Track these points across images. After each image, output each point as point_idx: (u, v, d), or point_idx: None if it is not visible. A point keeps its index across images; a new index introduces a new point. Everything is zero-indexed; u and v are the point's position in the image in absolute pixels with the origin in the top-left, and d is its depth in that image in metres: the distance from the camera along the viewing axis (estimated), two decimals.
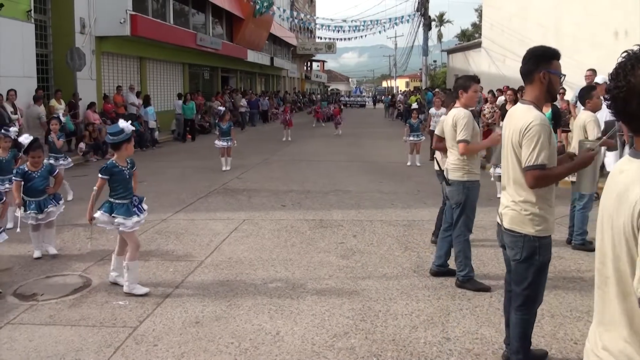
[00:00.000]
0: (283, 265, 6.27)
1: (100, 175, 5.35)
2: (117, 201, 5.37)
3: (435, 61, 67.85)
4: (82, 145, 15.62)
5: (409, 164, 14.26)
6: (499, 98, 15.00)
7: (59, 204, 6.60)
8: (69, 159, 9.89)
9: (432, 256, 6.55)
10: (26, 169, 6.46)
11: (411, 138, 14.43)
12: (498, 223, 3.83)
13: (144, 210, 5.61)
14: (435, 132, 6.59)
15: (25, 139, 6.59)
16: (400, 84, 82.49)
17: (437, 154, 6.62)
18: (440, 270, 5.84)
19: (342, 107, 28.37)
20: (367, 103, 65.20)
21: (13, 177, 6.48)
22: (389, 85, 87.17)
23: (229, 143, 13.22)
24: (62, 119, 9.82)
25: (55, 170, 6.76)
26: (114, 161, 5.39)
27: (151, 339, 4.41)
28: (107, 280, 5.68)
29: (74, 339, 4.46)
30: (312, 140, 20.40)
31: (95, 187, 5.35)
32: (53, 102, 15.83)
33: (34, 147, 6.50)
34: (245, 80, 39.48)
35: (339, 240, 7.28)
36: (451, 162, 5.58)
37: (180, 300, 5.20)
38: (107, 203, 5.40)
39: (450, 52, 41.90)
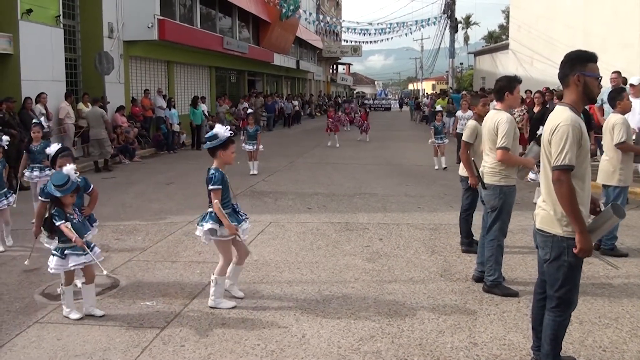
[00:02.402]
0: (309, 267, 6.28)
1: (216, 187, 4.96)
2: (224, 211, 5.04)
3: (461, 63, 67.30)
4: (109, 148, 15.86)
5: (436, 167, 14.17)
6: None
7: (92, 226, 5.43)
8: (48, 171, 8.34)
9: (459, 260, 6.53)
10: None
11: (432, 141, 14.35)
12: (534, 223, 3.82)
13: (246, 217, 5.31)
14: (463, 138, 6.55)
15: (50, 148, 5.76)
16: (426, 87, 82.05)
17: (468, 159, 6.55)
18: (483, 276, 5.69)
19: (367, 110, 28.12)
20: (392, 106, 64.83)
21: (38, 196, 5.62)
22: (415, 88, 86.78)
23: (255, 147, 13.26)
24: (45, 123, 8.77)
25: (90, 186, 5.47)
26: (219, 169, 5.05)
27: (178, 340, 4.46)
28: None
29: (102, 338, 4.53)
30: (340, 143, 20.36)
31: (215, 200, 4.96)
32: (80, 105, 16.10)
33: (62, 155, 5.62)
34: (271, 84, 39.66)
35: (365, 244, 7.26)
36: (488, 166, 5.50)
37: (206, 302, 5.22)
38: (210, 213, 5.05)
39: (477, 54, 41.55)
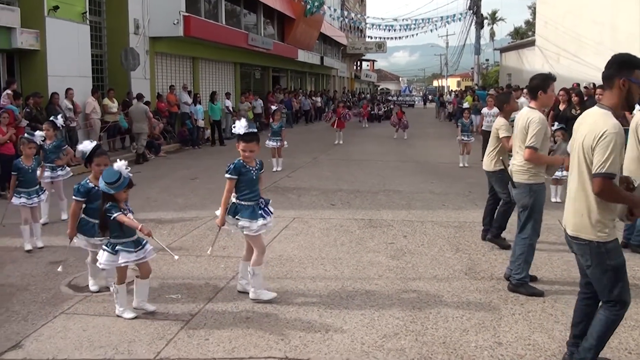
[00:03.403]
0: (332, 264, 6.28)
1: (227, 176, 5.05)
2: (242, 203, 5.09)
3: (487, 60, 66.55)
4: (135, 143, 16.06)
5: (461, 165, 14.06)
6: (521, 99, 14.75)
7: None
8: (67, 169, 8.71)
9: (484, 258, 6.47)
10: (90, 185, 5.31)
11: (459, 138, 14.24)
12: (564, 231, 3.76)
13: (271, 213, 5.23)
14: (502, 135, 6.52)
15: (85, 146, 5.46)
16: (451, 83, 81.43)
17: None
18: None
19: (396, 106, 27.90)
20: (416, 103, 64.41)
21: (73, 196, 5.31)
22: (440, 85, 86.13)
23: (279, 143, 13.28)
24: (58, 121, 8.55)
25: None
26: (242, 161, 5.09)
27: (202, 333, 4.51)
28: (237, 288, 5.43)
29: (127, 330, 4.60)
30: (362, 140, 20.37)
31: (225, 190, 5.09)
32: (106, 100, 16.32)
33: (98, 153, 5.44)
34: (295, 80, 39.71)
35: (389, 241, 7.25)
36: (517, 164, 5.43)
37: (231, 296, 5.29)
38: (231, 205, 5.13)
39: (503, 50, 41.13)
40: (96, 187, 5.20)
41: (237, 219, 5.08)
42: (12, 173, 7.06)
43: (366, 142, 20.61)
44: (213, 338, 4.42)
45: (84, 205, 5.33)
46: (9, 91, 12.04)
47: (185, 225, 8.10)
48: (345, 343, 4.33)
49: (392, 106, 35.53)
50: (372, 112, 32.49)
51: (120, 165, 4.80)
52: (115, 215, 4.68)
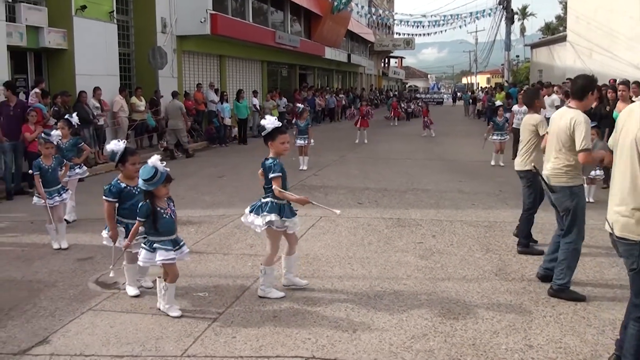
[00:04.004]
0: (360, 263, 6.28)
1: (275, 175, 5.03)
2: (275, 201, 5.11)
3: (517, 56, 65.71)
4: (163, 141, 16.28)
5: (492, 163, 13.90)
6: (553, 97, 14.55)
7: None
8: (84, 167, 8.69)
9: (515, 259, 6.39)
10: (122, 185, 5.29)
11: (495, 137, 14.06)
12: (610, 232, 3.61)
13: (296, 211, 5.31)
14: (543, 133, 6.40)
15: (116, 146, 5.30)
16: (480, 80, 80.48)
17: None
18: (549, 274, 5.50)
19: (426, 104, 27.61)
20: (444, 100, 63.85)
21: (104, 197, 5.27)
22: (469, 82, 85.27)
23: (306, 141, 13.30)
24: (73, 119, 8.47)
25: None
26: (276, 159, 5.12)
27: (230, 331, 4.54)
28: (282, 283, 5.46)
29: (154, 327, 4.65)
30: (390, 138, 20.29)
31: (279, 189, 5.03)
32: (134, 99, 16.54)
33: (131, 152, 5.37)
34: (322, 77, 39.74)
35: (418, 240, 7.21)
36: (555, 167, 5.26)
37: (258, 293, 5.30)
38: (271, 204, 5.11)
39: (534, 46, 40.52)
40: (128, 187, 5.27)
41: (283, 220, 5.13)
42: (34, 173, 7.05)
43: (394, 140, 20.52)
44: (240, 336, 4.45)
45: (117, 205, 5.32)
46: (37, 90, 12.28)
47: (212, 223, 8.17)
48: (373, 343, 4.31)
49: (420, 104, 35.24)
50: (400, 109, 32.21)
51: (155, 160, 4.76)
52: (138, 219, 4.81)
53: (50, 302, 5.26)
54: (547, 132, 6.29)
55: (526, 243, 6.68)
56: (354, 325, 4.64)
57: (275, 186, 5.04)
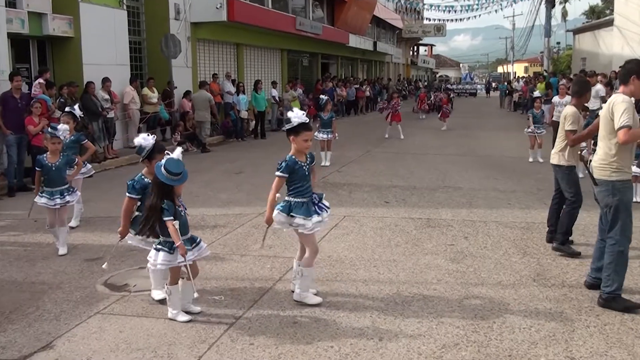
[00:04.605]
0: (386, 266, 6.27)
1: (278, 174, 5.06)
2: (295, 199, 5.10)
3: (558, 43, 64.80)
4: (176, 135, 16.40)
5: (531, 160, 13.76)
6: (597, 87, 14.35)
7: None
8: (89, 166, 8.56)
9: (555, 263, 6.33)
10: (147, 181, 5.25)
11: (530, 130, 13.91)
12: None
13: (326, 208, 5.26)
14: (567, 128, 6.39)
15: (145, 140, 5.25)
16: (517, 69, 79.70)
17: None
18: (597, 283, 5.39)
19: (450, 94, 27.41)
20: (478, 91, 63.33)
21: (127, 193, 5.28)
22: (505, 71, 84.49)
23: (329, 136, 13.29)
24: (77, 112, 8.34)
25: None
26: (293, 157, 5.10)
27: (247, 337, 4.56)
28: (290, 289, 5.44)
29: (167, 332, 4.70)
30: (419, 132, 20.20)
31: (273, 187, 5.09)
32: (145, 90, 16.68)
33: (160, 149, 5.25)
34: (346, 67, 39.69)
35: (449, 242, 7.17)
36: (598, 158, 5.21)
37: (277, 299, 5.34)
38: (284, 202, 5.14)
39: (577, 32, 39.98)
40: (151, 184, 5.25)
41: (292, 216, 5.07)
42: (36, 169, 6.96)
43: (422, 134, 20.43)
44: (258, 343, 4.47)
45: (138, 203, 5.32)
46: (41, 80, 12.36)
47: (229, 222, 8.22)
48: (401, 352, 4.30)
49: (453, 95, 35.01)
50: (430, 101, 31.96)
51: (179, 154, 4.77)
52: (167, 218, 4.69)
53: (54, 304, 5.33)
54: (571, 130, 6.30)
55: (563, 240, 6.62)
56: (379, 332, 4.63)
57: (273, 186, 5.07)
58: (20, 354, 4.38)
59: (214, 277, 5.95)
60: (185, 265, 4.82)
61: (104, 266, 5.66)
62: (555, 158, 6.71)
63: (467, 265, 6.30)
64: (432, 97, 32.96)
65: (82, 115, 8.85)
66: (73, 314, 5.11)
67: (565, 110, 6.64)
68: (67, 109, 8.59)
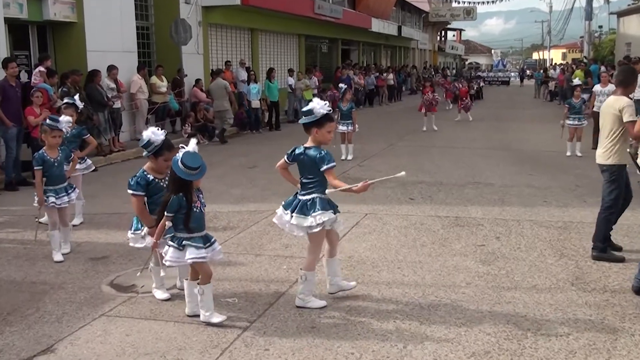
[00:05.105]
0: (411, 268, 6.25)
1: (330, 165, 5.05)
2: (318, 195, 5.14)
3: (600, 27, 63.97)
4: (187, 127, 16.48)
5: (568, 153, 13.62)
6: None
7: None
8: (89, 161, 8.50)
9: (595, 266, 6.27)
10: (150, 177, 5.32)
11: (570, 122, 13.75)
12: None
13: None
14: (625, 120, 6.23)
15: (155, 135, 5.23)
16: (554, 56, 78.97)
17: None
18: None
19: (469, 83, 26.93)
20: (511, 79, 62.79)
21: (133, 191, 5.27)
22: (541, 57, 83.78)
23: (350, 127, 13.27)
24: (78, 103, 8.25)
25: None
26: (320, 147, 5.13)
27: (262, 342, 4.58)
28: (328, 291, 5.47)
29: (177, 336, 4.73)
30: (445, 124, 20.09)
31: (332, 180, 5.10)
32: (154, 78, 16.77)
33: (170, 147, 5.29)
34: (368, 54, 39.64)
35: (479, 242, 7.14)
36: None
37: (294, 301, 5.33)
38: (313, 200, 5.14)
39: (621, 14, 39.50)
40: (156, 179, 5.30)
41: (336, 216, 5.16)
42: (36, 167, 6.67)
43: (450, 126, 20.32)
44: (274, 349, 4.49)
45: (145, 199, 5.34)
46: (41, 68, 12.39)
47: (243, 220, 8.26)
48: None
49: (482, 83, 34.65)
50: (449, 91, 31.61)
51: (195, 146, 4.79)
52: (167, 214, 4.75)
53: (56, 306, 5.39)
54: (631, 121, 6.13)
55: (603, 247, 6.52)
56: (404, 339, 4.62)
57: (332, 179, 5.04)
58: (18, 357, 4.44)
59: (227, 278, 5.98)
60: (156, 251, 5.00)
61: (138, 274, 5.60)
62: (604, 157, 6.45)
63: (499, 267, 6.26)
64: (451, 87, 32.32)
65: (83, 106, 8.77)
66: (76, 316, 5.16)
67: (619, 102, 6.34)
68: (66, 99, 8.57)
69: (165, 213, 4.77)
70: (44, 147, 6.81)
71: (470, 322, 4.92)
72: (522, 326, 4.84)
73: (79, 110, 8.34)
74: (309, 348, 4.49)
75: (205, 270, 4.93)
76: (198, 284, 4.91)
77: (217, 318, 4.88)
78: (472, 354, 4.38)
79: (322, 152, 5.09)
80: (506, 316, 5.03)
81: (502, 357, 4.34)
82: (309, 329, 4.82)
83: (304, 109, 5.24)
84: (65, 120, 7.03)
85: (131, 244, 5.54)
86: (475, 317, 5.01)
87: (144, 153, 5.34)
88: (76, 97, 8.39)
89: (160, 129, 5.34)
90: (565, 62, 49.44)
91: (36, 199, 6.82)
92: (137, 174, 5.32)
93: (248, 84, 19.67)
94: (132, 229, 5.47)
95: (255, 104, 19.57)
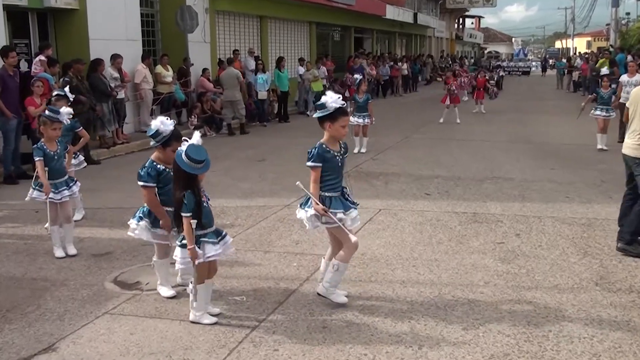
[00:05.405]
0: (427, 266, 6.25)
1: (311, 164, 5.06)
2: (327, 194, 5.11)
3: (628, 13, 63.34)
4: (193, 118, 16.51)
5: (599, 146, 13.53)
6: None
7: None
8: (81, 157, 8.46)
9: (621, 265, 6.24)
10: (160, 167, 5.31)
11: (598, 112, 13.68)
12: None
13: (355, 205, 5.32)
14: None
15: (164, 125, 5.21)
16: (578, 44, 78.44)
17: None
18: None
19: (486, 73, 26.66)
20: (532, 69, 62.47)
21: (143, 183, 5.28)
22: (564, 46, 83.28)
23: (366, 120, 13.20)
24: (70, 95, 8.14)
25: None
26: (324, 144, 5.10)
27: (271, 343, 4.60)
28: (316, 290, 5.43)
29: (183, 335, 4.75)
30: (464, 116, 20.00)
31: (311, 180, 5.10)
32: (159, 68, 16.77)
33: (178, 136, 5.23)
34: (382, 42, 39.53)
35: (498, 240, 7.13)
36: None
37: (305, 300, 5.36)
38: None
39: None
40: (167, 169, 5.26)
41: (331, 212, 5.08)
42: (37, 158, 6.62)
43: (468, 118, 20.25)
44: (283, 349, 4.50)
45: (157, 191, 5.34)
46: (42, 57, 12.38)
47: (251, 215, 8.28)
48: None
49: (502, 73, 34.35)
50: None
51: (199, 139, 4.77)
52: (184, 214, 4.70)
53: (58, 303, 5.42)
54: None
55: (630, 240, 6.52)
56: (419, 340, 4.62)
57: (311, 179, 5.07)
58: (18, 356, 4.47)
59: (234, 276, 6.00)
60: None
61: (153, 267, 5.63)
62: (630, 147, 6.51)
63: (519, 266, 6.25)
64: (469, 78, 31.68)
65: (74, 97, 8.62)
66: (79, 313, 5.19)
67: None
68: (56, 91, 8.44)
69: (183, 213, 4.71)
70: (42, 140, 6.76)
71: (489, 322, 4.92)
72: (543, 327, 4.83)
73: (69, 103, 8.07)
74: (320, 349, 4.50)
75: (214, 266, 4.97)
76: (191, 282, 4.93)
77: (208, 319, 4.90)
78: (491, 356, 4.37)
79: (314, 150, 5.08)
80: (526, 317, 5.02)
81: (522, 359, 4.33)
82: (320, 328, 4.83)
83: (318, 102, 5.23)
84: (66, 111, 6.95)
85: (131, 233, 5.49)
86: (493, 318, 5.00)
87: (152, 143, 5.33)
88: (66, 88, 8.28)
89: (169, 119, 5.32)
90: (590, 50, 49.04)
91: (30, 191, 6.74)
92: (146, 164, 5.31)
93: (256, 74, 19.57)
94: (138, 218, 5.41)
95: (262, 95, 19.39)
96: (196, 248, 4.74)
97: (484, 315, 5.06)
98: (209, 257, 4.80)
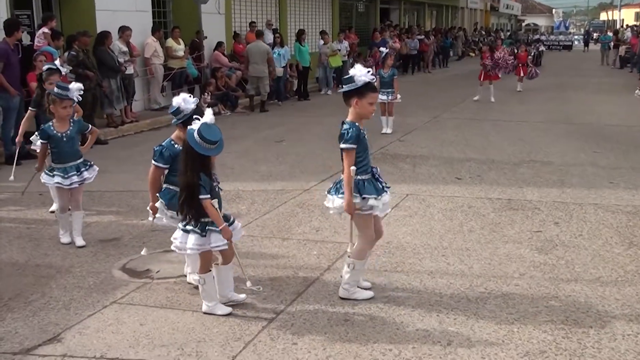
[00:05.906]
0: (457, 255, 6.25)
1: (347, 146, 4.92)
2: (359, 177, 5.02)
3: None
4: (206, 95, 16.53)
5: None
6: None
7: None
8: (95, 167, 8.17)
9: None
10: (178, 148, 5.23)
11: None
12: None
13: (387, 186, 5.23)
14: None
15: (185, 102, 5.19)
16: (626, 16, 77.34)
17: None
18: None
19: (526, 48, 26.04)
20: (574, 43, 61.79)
21: (154, 161, 5.32)
22: (610, 18, 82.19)
23: (390, 97, 13.13)
24: (63, 69, 8.00)
25: None
26: (356, 123, 4.99)
27: (289, 336, 4.62)
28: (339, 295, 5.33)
29: (195, 327, 4.79)
30: (498, 93, 19.86)
31: (345, 165, 4.95)
32: (170, 41, 16.77)
33: (201, 114, 5.03)
34: (410, 14, 39.24)
35: (535, 228, 7.10)
36: None
37: (325, 291, 5.38)
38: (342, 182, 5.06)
39: None
40: None
41: (363, 198, 4.99)
42: (41, 141, 6.63)
43: (503, 96, 20.09)
44: (302, 343, 4.53)
45: (165, 172, 5.37)
46: (45, 30, 12.43)
47: (268, 200, 8.31)
48: (474, 359, 4.30)
49: (542, 48, 33.79)
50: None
51: (212, 117, 4.76)
52: (202, 197, 4.70)
53: (63, 291, 5.49)
54: None
55: None
56: (448, 335, 4.63)
57: (346, 164, 4.92)
58: (22, 346, 4.53)
59: (250, 265, 6.00)
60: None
61: (143, 252, 5.72)
62: None
63: (558, 256, 6.23)
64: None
65: (70, 73, 8.50)
66: (85, 302, 5.25)
67: None
68: (47, 65, 8.14)
69: (202, 196, 4.69)
70: (53, 120, 6.62)
71: (524, 317, 4.90)
72: (583, 323, 4.80)
73: (62, 74, 7.98)
74: (342, 343, 4.51)
75: (229, 251, 4.97)
76: (197, 273, 4.98)
77: (221, 310, 4.94)
78: (526, 354, 4.37)
79: (350, 129, 4.92)
80: (565, 312, 5.00)
81: (560, 357, 4.32)
82: (342, 322, 4.84)
83: (345, 76, 5.12)
84: (76, 87, 6.69)
85: (157, 221, 5.50)
86: (529, 313, 4.99)
87: (173, 121, 5.35)
88: (57, 61, 8.16)
89: (192, 96, 5.28)
90: (639, 23, 48.37)
91: (44, 176, 6.66)
92: (164, 143, 5.31)
93: (273, 48, 19.42)
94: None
95: (279, 71, 19.10)
96: (186, 229, 4.85)
97: (518, 309, 5.05)
98: (214, 246, 4.83)
